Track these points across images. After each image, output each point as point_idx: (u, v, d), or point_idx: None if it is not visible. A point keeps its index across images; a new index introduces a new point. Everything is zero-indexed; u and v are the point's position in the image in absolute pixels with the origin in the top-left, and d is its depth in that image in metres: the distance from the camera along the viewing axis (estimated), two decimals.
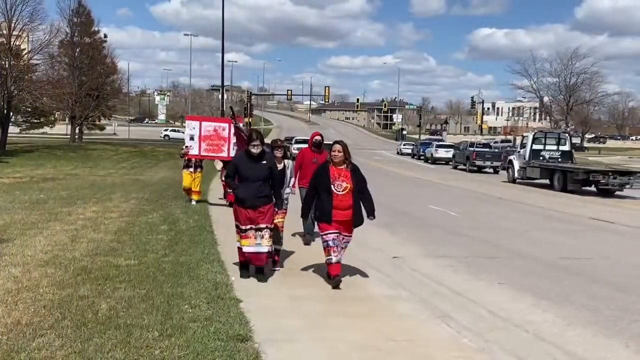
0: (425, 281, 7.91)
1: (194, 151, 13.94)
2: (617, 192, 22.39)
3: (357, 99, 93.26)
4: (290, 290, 6.97)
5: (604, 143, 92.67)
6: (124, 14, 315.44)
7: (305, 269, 8.07)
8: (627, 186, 21.97)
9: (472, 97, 79.32)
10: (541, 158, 25.95)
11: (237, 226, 7.37)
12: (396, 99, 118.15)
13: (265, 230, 7.18)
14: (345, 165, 7.20)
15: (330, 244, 7.03)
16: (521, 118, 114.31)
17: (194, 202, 14.24)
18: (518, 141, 29.85)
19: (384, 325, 5.76)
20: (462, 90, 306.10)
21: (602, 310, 6.77)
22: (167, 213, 12.41)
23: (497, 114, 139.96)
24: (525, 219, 15.05)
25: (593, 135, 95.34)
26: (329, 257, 7.07)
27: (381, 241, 10.63)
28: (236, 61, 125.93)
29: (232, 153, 13.01)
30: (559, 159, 25.95)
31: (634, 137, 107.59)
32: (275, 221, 7.59)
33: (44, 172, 22.97)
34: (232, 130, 12.89)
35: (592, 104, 68.05)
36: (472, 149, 36.80)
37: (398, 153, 58.39)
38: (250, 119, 59.07)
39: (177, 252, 8.47)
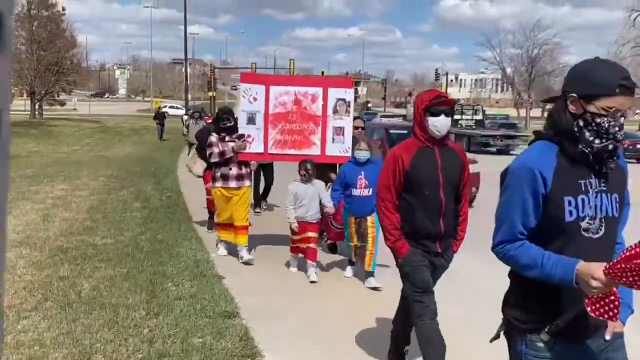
0: None
1: (257, 147, 6.91)
2: (512, 152, 25.73)
3: (322, 72, 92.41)
4: (273, 267, 6.94)
5: None
6: None
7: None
8: (512, 147, 26.52)
9: (437, 69, 79.19)
10: (458, 126, 30.37)
11: None
12: (361, 72, 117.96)
13: None
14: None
15: None
16: (484, 90, 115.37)
17: (244, 255, 6.94)
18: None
19: (363, 295, 5.83)
20: (427, 63, 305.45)
21: None
22: (138, 190, 12.24)
23: (460, 85, 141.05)
24: None
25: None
26: None
27: None
28: (197, 33, 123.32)
29: (332, 149, 6.88)
30: (473, 127, 30.81)
31: None
32: None
33: None
34: (334, 101, 6.88)
35: (554, 75, 68.83)
36: None
37: None
38: (214, 93, 58.11)
39: (153, 229, 8.38)
